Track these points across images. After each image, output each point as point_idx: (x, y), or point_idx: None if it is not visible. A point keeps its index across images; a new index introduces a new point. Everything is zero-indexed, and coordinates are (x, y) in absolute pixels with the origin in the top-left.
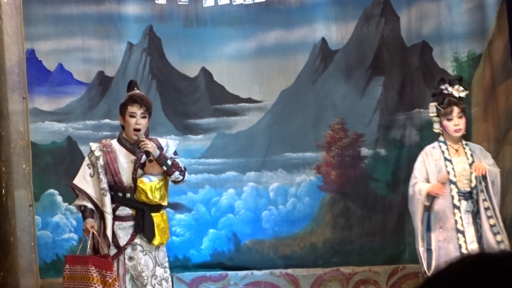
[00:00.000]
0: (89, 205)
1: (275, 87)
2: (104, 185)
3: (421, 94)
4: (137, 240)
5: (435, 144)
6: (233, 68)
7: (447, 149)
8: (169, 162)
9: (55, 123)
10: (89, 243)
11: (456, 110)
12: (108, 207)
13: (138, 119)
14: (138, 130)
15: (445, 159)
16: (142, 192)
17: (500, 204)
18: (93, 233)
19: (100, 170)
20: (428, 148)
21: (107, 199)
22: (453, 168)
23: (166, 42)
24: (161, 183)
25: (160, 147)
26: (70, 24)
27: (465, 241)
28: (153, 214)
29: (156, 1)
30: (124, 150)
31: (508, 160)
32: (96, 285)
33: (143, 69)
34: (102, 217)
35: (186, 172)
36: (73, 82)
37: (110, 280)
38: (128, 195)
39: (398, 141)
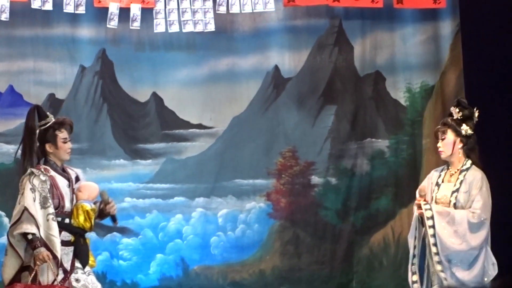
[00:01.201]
0: (38, 233)
1: (226, 114)
2: (52, 209)
3: (374, 123)
4: (77, 264)
5: (441, 167)
6: (184, 94)
7: (445, 173)
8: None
9: (4, 145)
10: (45, 271)
11: (439, 132)
12: (56, 231)
13: (69, 143)
14: (70, 152)
15: (436, 183)
16: (85, 217)
17: None
18: (46, 262)
19: (48, 194)
20: (433, 171)
21: (55, 224)
22: (436, 194)
23: (118, 66)
24: (96, 210)
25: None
26: (22, 46)
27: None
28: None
29: (108, 26)
30: (58, 175)
31: None
32: None
33: (95, 92)
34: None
35: None
36: (23, 104)
37: None
38: (67, 220)
39: (349, 170)
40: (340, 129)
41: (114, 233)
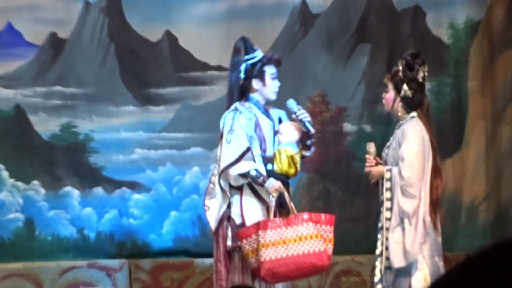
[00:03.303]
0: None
1: None
2: (259, 151)
3: None
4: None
5: None
6: (201, 32)
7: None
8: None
9: (2, 89)
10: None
11: (384, 82)
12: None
13: (276, 80)
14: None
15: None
16: (289, 162)
17: (495, 188)
18: (281, 194)
19: (254, 134)
20: None
21: (263, 166)
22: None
23: (127, 2)
24: (301, 153)
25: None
26: None
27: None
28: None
29: None
30: (262, 115)
31: (505, 140)
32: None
33: (101, 32)
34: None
35: None
36: (23, 43)
37: (330, 236)
38: (269, 166)
39: (385, 116)
40: (375, 71)
41: (123, 188)
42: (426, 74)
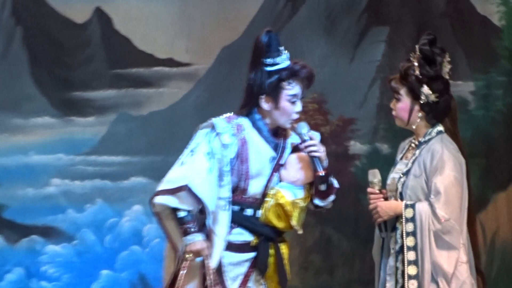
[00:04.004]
0: (194, 211)
1: (212, 43)
2: (228, 192)
3: (449, 55)
4: (249, 285)
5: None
6: (145, 11)
7: (410, 144)
8: (331, 179)
9: None
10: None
11: (392, 86)
12: (222, 227)
13: (299, 103)
14: (296, 119)
15: (395, 161)
16: (279, 214)
17: None
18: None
19: (226, 168)
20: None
21: (226, 214)
22: (388, 177)
23: None
24: (307, 202)
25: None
26: None
27: None
28: (280, 245)
29: None
30: (260, 138)
31: None
32: None
33: (2, 9)
34: None
35: None
36: None
37: None
38: (250, 211)
39: (409, 131)
40: (395, 65)
41: (33, 236)
42: (450, 67)
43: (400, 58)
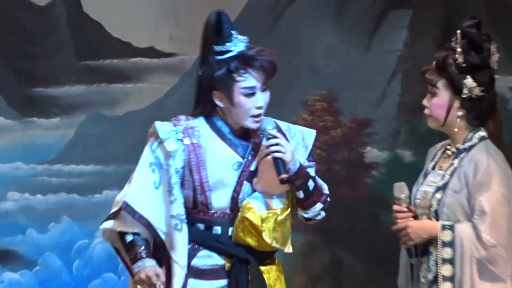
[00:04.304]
0: (144, 234)
1: (200, 29)
2: (180, 209)
3: None
4: None
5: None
6: None
7: (443, 151)
8: (311, 183)
9: None
10: None
11: (427, 78)
12: (180, 252)
13: (259, 97)
14: (259, 115)
15: (425, 171)
16: (249, 229)
17: None
18: None
19: (174, 179)
20: (432, 147)
21: (182, 235)
22: (417, 191)
23: None
24: (286, 214)
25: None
26: None
27: None
28: (263, 269)
29: None
30: (221, 142)
31: None
32: None
33: None
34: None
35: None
36: None
37: None
38: (218, 229)
39: (438, 134)
40: (418, 55)
41: None
42: (498, 56)
43: (425, 47)
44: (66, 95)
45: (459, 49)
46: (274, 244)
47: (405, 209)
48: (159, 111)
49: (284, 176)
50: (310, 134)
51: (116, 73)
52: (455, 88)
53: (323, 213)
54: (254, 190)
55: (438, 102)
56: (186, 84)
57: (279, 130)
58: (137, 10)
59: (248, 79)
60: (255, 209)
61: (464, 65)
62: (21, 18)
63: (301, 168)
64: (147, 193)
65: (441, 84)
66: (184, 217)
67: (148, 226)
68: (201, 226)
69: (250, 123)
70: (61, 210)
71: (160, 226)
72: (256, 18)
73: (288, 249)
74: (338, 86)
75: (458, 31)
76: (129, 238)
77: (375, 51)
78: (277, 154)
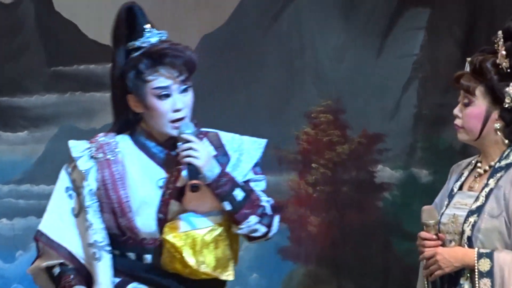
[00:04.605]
0: (69, 264)
1: (189, 30)
2: (97, 235)
3: None
4: None
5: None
6: None
7: (471, 169)
8: (239, 192)
9: None
10: None
11: (461, 85)
12: (103, 284)
13: (176, 98)
14: (180, 119)
15: (451, 191)
16: (173, 253)
17: None
18: None
19: (87, 202)
20: (455, 165)
21: (103, 265)
22: (443, 213)
23: None
24: (216, 233)
25: (219, 148)
26: None
27: None
28: None
29: None
30: (144, 157)
31: None
32: None
33: None
34: None
35: (275, 219)
36: None
37: None
38: (149, 258)
39: (459, 150)
40: (438, 60)
41: None
42: None
43: (445, 51)
44: (34, 105)
45: (503, 52)
46: (204, 269)
47: (434, 237)
48: None
49: (193, 182)
50: (258, 144)
51: (93, 80)
52: (495, 97)
53: (263, 229)
54: (185, 210)
55: (474, 112)
56: None
57: (209, 137)
58: (116, 8)
59: (159, 78)
60: (178, 228)
61: (509, 70)
62: None
63: (223, 175)
64: (64, 220)
65: (479, 91)
66: (103, 244)
67: (69, 255)
68: (132, 256)
69: (170, 130)
70: (29, 237)
71: (82, 255)
72: (252, 15)
73: (227, 276)
74: (345, 95)
75: (500, 32)
76: (56, 270)
77: (388, 55)
78: (187, 159)
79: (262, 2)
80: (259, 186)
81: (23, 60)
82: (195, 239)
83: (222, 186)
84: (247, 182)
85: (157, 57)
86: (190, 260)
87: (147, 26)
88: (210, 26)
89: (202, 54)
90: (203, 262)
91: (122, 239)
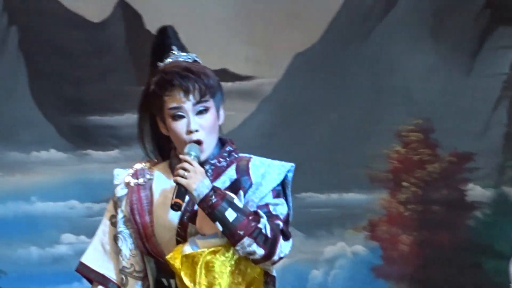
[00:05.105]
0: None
1: (281, 48)
2: (124, 262)
3: None
4: None
5: None
6: (187, 5)
7: None
8: (230, 213)
9: None
10: None
11: None
12: None
13: (191, 119)
14: (196, 141)
15: None
16: (178, 275)
17: None
18: None
19: (120, 228)
20: None
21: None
22: None
23: None
24: (219, 255)
25: (243, 172)
26: None
27: None
28: None
29: None
30: (171, 182)
31: None
32: None
33: None
34: None
35: (279, 241)
36: None
37: None
38: (173, 282)
39: None
40: None
41: None
42: None
43: None
44: (126, 124)
45: None
46: None
47: None
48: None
49: (174, 200)
50: (283, 168)
51: None
52: None
53: (260, 251)
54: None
55: None
56: (265, 111)
57: (239, 161)
58: (207, 27)
59: (172, 98)
60: (182, 250)
61: None
62: (70, 36)
63: (213, 196)
64: (106, 250)
65: None
66: (130, 271)
67: (105, 280)
68: (165, 282)
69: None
70: None
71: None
72: (341, 37)
73: None
74: (435, 114)
75: None
76: None
77: (478, 74)
78: (175, 178)
79: (353, 21)
80: (277, 210)
81: (113, 79)
82: (194, 260)
83: (211, 207)
84: (265, 205)
85: (169, 77)
86: (188, 282)
87: (175, 47)
88: (302, 45)
89: (294, 73)
90: (203, 284)
91: (156, 265)
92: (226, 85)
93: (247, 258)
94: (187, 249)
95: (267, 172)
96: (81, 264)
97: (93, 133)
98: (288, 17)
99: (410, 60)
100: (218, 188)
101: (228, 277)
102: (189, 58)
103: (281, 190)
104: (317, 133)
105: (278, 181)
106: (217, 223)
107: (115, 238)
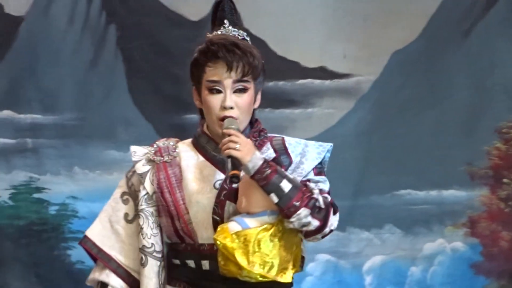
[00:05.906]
0: (117, 284)
1: (379, 46)
2: (147, 241)
3: None
4: None
5: None
6: (289, 6)
7: None
8: (286, 184)
9: None
10: None
11: None
12: None
13: (227, 96)
14: (229, 117)
15: None
16: (226, 255)
17: None
18: None
19: (141, 206)
20: None
21: (148, 271)
22: None
23: None
24: (269, 232)
25: (281, 151)
26: None
27: None
28: None
29: None
30: (202, 159)
31: None
32: None
33: (88, 3)
34: None
35: (331, 214)
36: None
37: None
38: (207, 264)
39: None
40: None
41: None
42: None
43: None
44: None
45: None
46: (257, 271)
47: None
48: (331, 140)
49: (232, 173)
50: (322, 148)
51: (282, 97)
52: None
53: (315, 222)
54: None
55: None
56: (363, 109)
57: (270, 140)
58: (305, 25)
59: (213, 71)
60: (230, 229)
61: None
62: (169, 35)
63: (267, 166)
64: (114, 228)
65: None
66: (150, 250)
67: (117, 268)
68: (191, 263)
69: (218, 128)
70: None
71: (132, 266)
72: (442, 32)
73: (285, 278)
74: None
75: None
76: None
77: None
78: (227, 151)
79: (453, 18)
80: (320, 186)
81: None
82: (247, 239)
83: (266, 178)
84: (308, 181)
85: (213, 49)
86: (242, 260)
87: (226, 21)
88: (401, 42)
89: (392, 71)
90: (257, 263)
91: (181, 247)
92: (324, 82)
93: (293, 235)
94: (236, 226)
95: (307, 151)
96: (86, 237)
97: (191, 132)
98: (386, 15)
99: (511, 57)
100: (269, 160)
101: (279, 254)
102: (239, 35)
103: (322, 168)
104: (416, 131)
105: (319, 159)
106: (272, 195)
107: (130, 217)
